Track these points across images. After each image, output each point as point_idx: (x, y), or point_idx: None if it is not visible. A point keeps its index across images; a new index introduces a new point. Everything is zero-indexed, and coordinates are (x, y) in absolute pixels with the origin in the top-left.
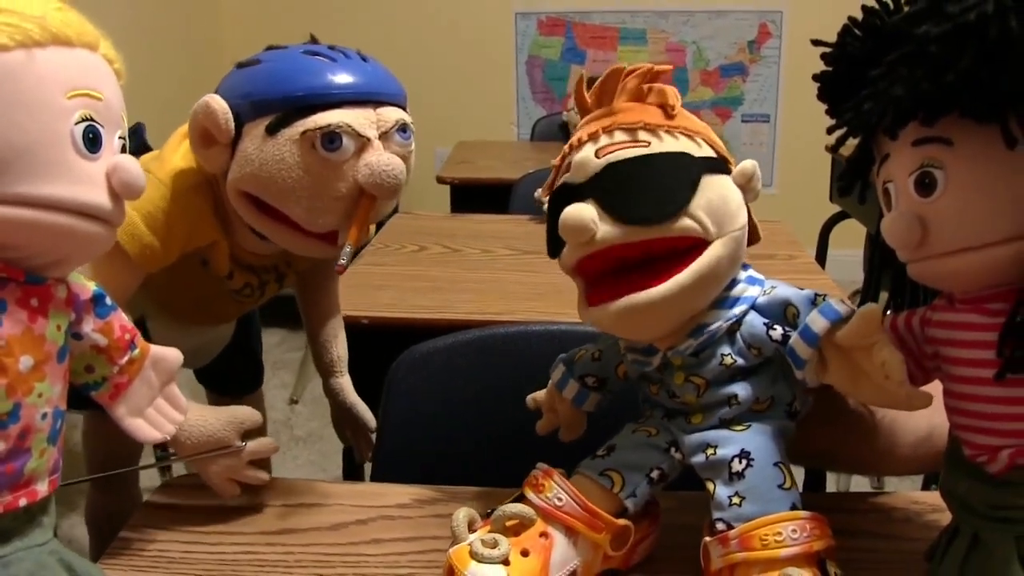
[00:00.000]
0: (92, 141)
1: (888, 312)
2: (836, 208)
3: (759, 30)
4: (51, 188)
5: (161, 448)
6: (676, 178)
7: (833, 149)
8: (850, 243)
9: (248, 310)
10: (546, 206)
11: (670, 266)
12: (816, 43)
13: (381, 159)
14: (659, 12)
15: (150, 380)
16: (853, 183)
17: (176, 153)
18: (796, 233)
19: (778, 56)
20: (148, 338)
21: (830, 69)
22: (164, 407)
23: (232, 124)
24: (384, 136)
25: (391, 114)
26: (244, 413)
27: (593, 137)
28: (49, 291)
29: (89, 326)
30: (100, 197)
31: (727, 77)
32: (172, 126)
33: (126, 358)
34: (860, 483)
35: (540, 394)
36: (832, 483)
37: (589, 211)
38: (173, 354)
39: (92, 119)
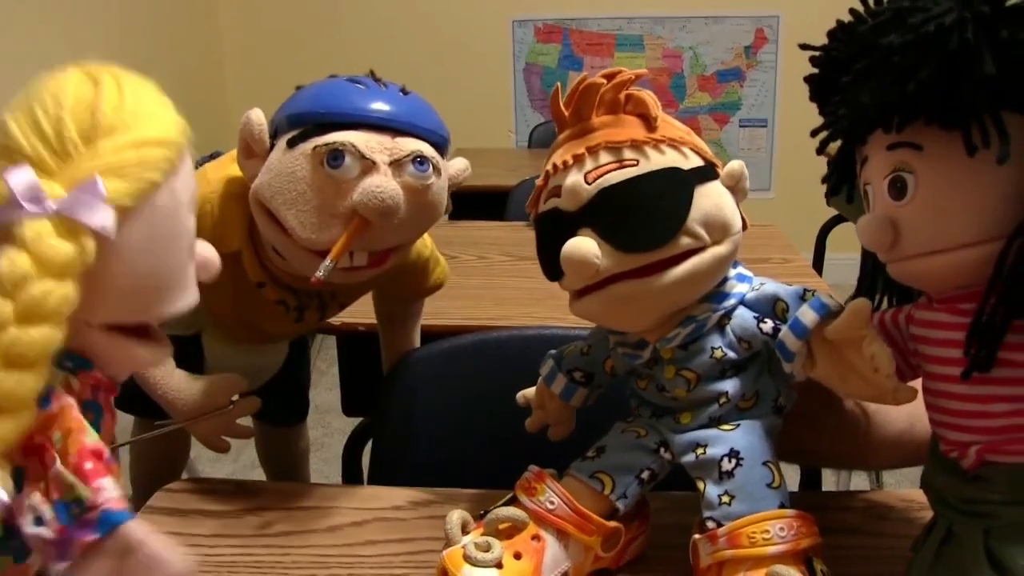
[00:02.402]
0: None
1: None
2: (834, 212)
3: (756, 35)
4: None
5: (160, 415)
6: (670, 197)
7: (818, 151)
8: (848, 247)
9: (291, 335)
10: (533, 226)
11: (664, 265)
12: (804, 47)
13: (375, 181)
14: (656, 18)
15: None
16: (839, 184)
17: (234, 163)
18: (794, 237)
19: (775, 61)
20: (201, 355)
21: (818, 72)
22: None
23: (266, 136)
24: (397, 164)
25: (408, 144)
26: (232, 379)
27: (578, 160)
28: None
29: None
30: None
31: (724, 82)
32: None
33: None
34: (859, 483)
35: (530, 391)
36: (831, 481)
37: (591, 247)
38: None
39: (193, 219)
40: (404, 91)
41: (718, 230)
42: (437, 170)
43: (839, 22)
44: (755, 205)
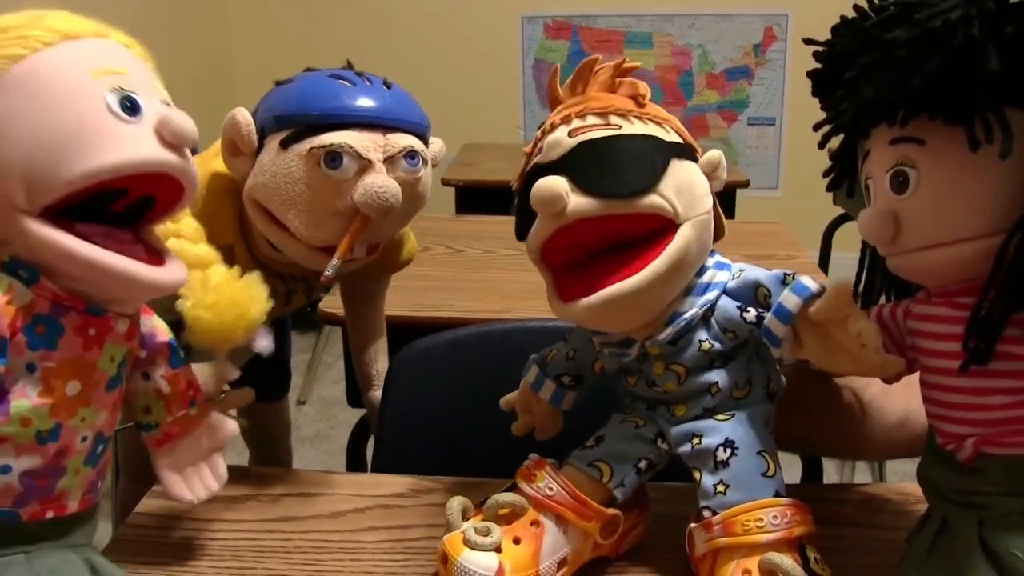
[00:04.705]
0: (131, 108)
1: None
2: (841, 211)
3: (764, 33)
4: (104, 156)
5: None
6: (646, 157)
7: (820, 145)
8: (854, 246)
9: (277, 317)
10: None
11: (640, 253)
12: (807, 42)
13: (376, 180)
14: (665, 16)
15: (200, 442)
16: (840, 178)
17: (217, 158)
18: (801, 235)
19: (784, 59)
20: (187, 344)
21: (821, 67)
22: (204, 472)
23: (254, 136)
24: (390, 160)
25: (400, 140)
26: (223, 368)
27: (565, 120)
28: (108, 323)
29: (159, 371)
30: (152, 149)
31: (733, 80)
32: None
33: (183, 412)
34: (862, 478)
35: (513, 396)
36: (835, 473)
37: (561, 182)
38: (230, 426)
39: (123, 88)
40: (387, 84)
41: (687, 205)
42: (425, 162)
43: (843, 17)
44: (762, 203)
